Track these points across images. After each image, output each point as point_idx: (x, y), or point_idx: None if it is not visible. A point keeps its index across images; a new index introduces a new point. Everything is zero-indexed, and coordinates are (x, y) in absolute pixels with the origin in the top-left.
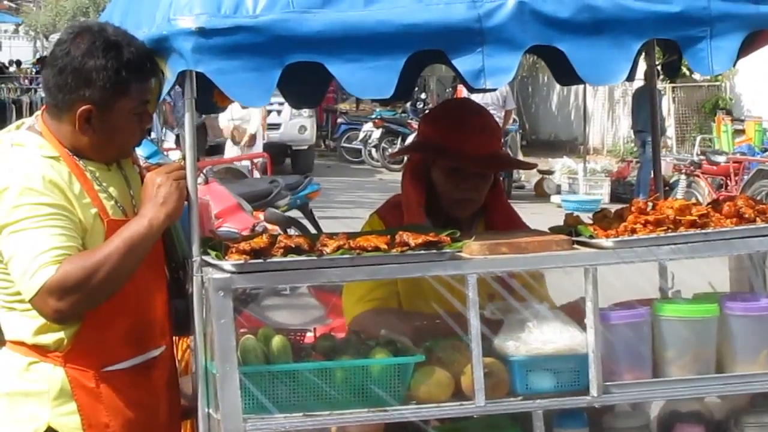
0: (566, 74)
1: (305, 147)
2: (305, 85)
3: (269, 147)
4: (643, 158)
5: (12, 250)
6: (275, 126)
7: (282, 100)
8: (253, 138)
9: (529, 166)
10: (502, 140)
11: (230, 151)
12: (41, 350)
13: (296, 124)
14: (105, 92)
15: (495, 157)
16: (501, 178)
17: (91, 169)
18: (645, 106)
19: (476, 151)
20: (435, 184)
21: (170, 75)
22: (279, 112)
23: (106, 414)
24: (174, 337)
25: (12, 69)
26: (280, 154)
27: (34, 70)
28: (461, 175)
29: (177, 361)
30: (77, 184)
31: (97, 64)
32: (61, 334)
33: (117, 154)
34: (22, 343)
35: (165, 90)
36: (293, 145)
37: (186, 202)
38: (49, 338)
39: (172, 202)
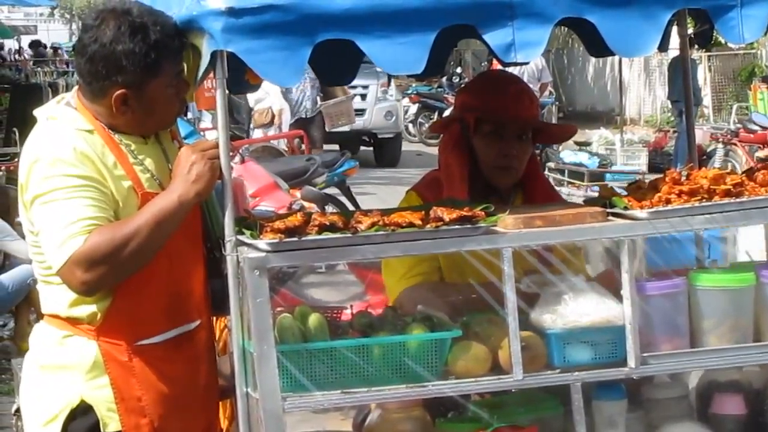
0: (598, 46)
1: (391, 135)
2: (337, 62)
3: (343, 136)
4: (681, 128)
5: (42, 220)
6: (359, 112)
7: (366, 82)
8: (274, 117)
9: (570, 129)
10: (539, 112)
11: (256, 133)
12: (75, 323)
13: (383, 109)
14: (137, 75)
15: (535, 122)
16: (538, 151)
17: (127, 142)
18: (680, 76)
19: (516, 115)
20: (476, 152)
21: (206, 54)
22: (363, 96)
23: (139, 388)
24: (211, 317)
25: (48, 51)
26: (352, 144)
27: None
28: (502, 141)
29: (215, 341)
30: (111, 157)
31: (125, 49)
32: (94, 308)
33: (157, 127)
34: (57, 316)
35: (202, 68)
36: (378, 133)
37: (220, 182)
38: (82, 311)
39: (204, 181)
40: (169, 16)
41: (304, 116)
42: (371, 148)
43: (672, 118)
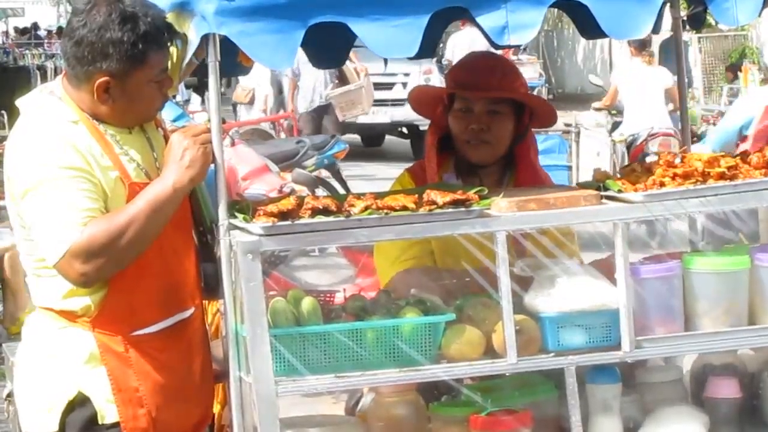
0: (590, 28)
1: None
2: (329, 44)
3: (373, 127)
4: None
5: (35, 214)
6: (400, 102)
7: (407, 69)
8: (254, 99)
9: (543, 105)
10: (520, 90)
11: (243, 114)
12: (70, 316)
13: None
14: (122, 64)
15: (505, 95)
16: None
17: (111, 132)
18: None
19: (483, 89)
20: (451, 131)
21: (194, 38)
22: (404, 84)
23: (136, 378)
24: (204, 301)
25: (42, 33)
26: (377, 136)
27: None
28: (471, 114)
29: (207, 325)
30: (97, 147)
31: (113, 37)
32: (87, 300)
33: (138, 120)
34: (50, 309)
35: (188, 54)
36: (420, 125)
37: (212, 166)
38: (76, 304)
39: (197, 167)
40: (161, 9)
41: (318, 104)
42: (408, 140)
43: None
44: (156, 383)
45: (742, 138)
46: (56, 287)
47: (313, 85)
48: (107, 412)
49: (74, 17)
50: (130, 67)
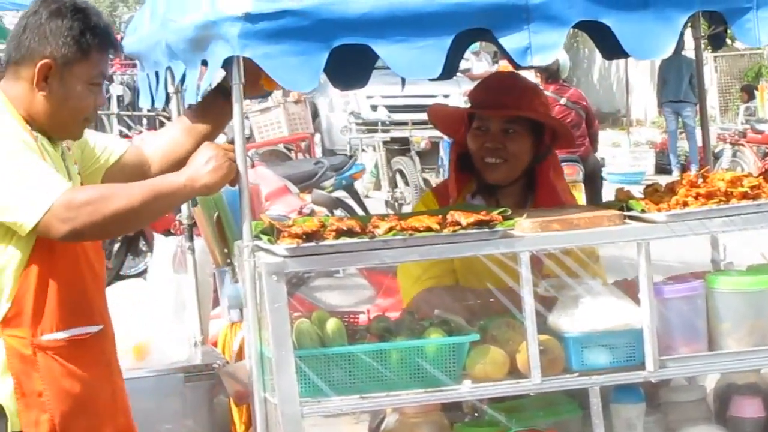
0: (611, 48)
1: None
2: (352, 67)
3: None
4: (677, 128)
5: (3, 181)
6: None
7: (447, 90)
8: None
9: (562, 127)
10: (540, 110)
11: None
12: None
13: None
14: (67, 50)
15: (521, 114)
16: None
17: (42, 143)
18: (676, 76)
19: (498, 108)
20: (470, 151)
21: (217, 61)
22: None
23: (42, 382)
24: (229, 323)
25: None
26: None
27: None
28: (488, 133)
29: (229, 348)
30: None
31: (62, 24)
32: None
33: (67, 126)
34: None
35: (207, 78)
36: None
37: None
38: None
39: (217, 175)
40: (109, 22)
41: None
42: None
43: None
44: (62, 390)
45: None
46: None
47: None
48: (15, 419)
49: (26, 11)
50: (73, 57)
